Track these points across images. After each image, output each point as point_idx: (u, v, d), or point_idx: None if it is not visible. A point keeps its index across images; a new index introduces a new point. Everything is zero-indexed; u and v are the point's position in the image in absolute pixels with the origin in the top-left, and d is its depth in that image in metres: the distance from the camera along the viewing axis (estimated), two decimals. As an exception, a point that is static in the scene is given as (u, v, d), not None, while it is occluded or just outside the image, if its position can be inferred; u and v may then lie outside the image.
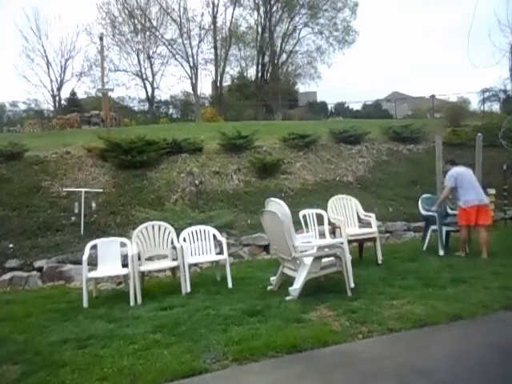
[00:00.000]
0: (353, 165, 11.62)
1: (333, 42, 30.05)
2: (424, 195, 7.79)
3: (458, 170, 6.98)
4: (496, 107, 23.80)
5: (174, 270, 6.02)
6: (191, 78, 27.75)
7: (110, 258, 5.76)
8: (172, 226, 6.14)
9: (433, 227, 7.31)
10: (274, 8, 29.34)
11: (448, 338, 3.75)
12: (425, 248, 7.32)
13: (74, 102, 27.22)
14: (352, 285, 5.01)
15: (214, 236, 6.25)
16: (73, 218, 8.52)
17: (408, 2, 57.30)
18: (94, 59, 27.39)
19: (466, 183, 6.81)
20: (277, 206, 5.19)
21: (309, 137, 12.03)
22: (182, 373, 3.28)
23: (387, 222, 9.06)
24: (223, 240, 6.09)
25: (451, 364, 3.27)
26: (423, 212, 7.49)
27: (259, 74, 30.31)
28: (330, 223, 6.64)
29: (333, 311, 4.39)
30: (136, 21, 27.67)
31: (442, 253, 6.96)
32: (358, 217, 7.03)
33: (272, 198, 5.57)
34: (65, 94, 30.51)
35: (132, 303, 5.22)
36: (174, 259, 5.91)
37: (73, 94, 28.91)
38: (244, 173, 10.74)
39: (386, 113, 28.57)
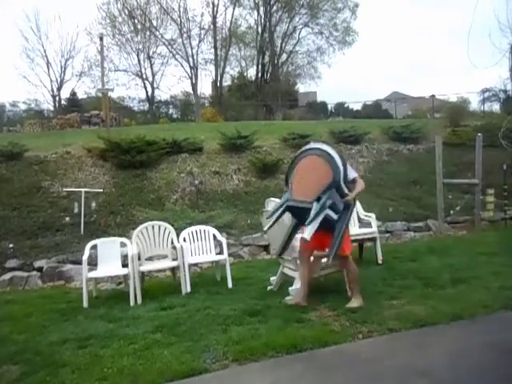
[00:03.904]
0: (353, 165, 11.58)
1: (333, 43, 30.03)
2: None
3: None
4: (496, 107, 23.79)
5: (174, 270, 6.01)
6: (191, 78, 27.77)
7: (110, 258, 5.74)
8: (172, 225, 6.13)
9: None
10: (274, 8, 29.31)
11: (448, 338, 3.74)
12: None
13: (74, 102, 27.25)
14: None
15: (214, 236, 6.24)
16: (68, 218, 8.51)
17: (408, 3, 57.30)
18: (94, 59, 27.32)
19: None
20: (277, 206, 5.17)
21: (309, 137, 11.98)
22: (182, 373, 3.28)
23: (387, 222, 9.05)
24: (223, 240, 6.08)
25: (451, 364, 3.27)
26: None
27: (259, 74, 30.27)
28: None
29: (333, 311, 4.38)
30: (136, 21, 27.66)
31: None
32: (358, 217, 7.01)
33: (272, 198, 5.57)
34: (65, 94, 30.47)
35: (132, 303, 5.21)
36: (174, 259, 5.91)
37: (73, 94, 28.92)
38: (244, 173, 10.73)
39: (385, 113, 28.58)
